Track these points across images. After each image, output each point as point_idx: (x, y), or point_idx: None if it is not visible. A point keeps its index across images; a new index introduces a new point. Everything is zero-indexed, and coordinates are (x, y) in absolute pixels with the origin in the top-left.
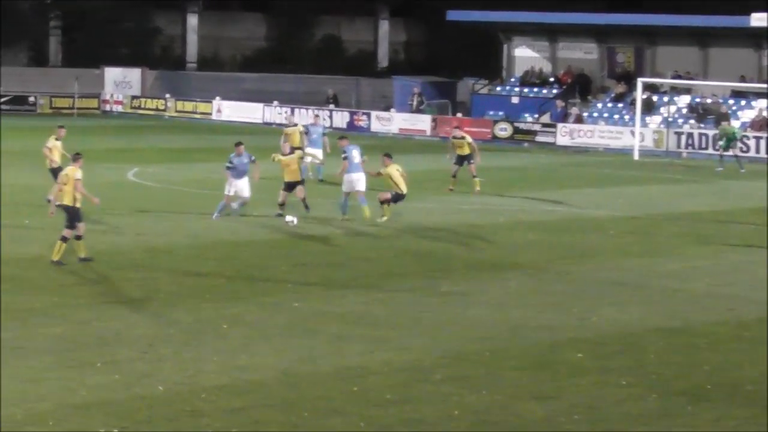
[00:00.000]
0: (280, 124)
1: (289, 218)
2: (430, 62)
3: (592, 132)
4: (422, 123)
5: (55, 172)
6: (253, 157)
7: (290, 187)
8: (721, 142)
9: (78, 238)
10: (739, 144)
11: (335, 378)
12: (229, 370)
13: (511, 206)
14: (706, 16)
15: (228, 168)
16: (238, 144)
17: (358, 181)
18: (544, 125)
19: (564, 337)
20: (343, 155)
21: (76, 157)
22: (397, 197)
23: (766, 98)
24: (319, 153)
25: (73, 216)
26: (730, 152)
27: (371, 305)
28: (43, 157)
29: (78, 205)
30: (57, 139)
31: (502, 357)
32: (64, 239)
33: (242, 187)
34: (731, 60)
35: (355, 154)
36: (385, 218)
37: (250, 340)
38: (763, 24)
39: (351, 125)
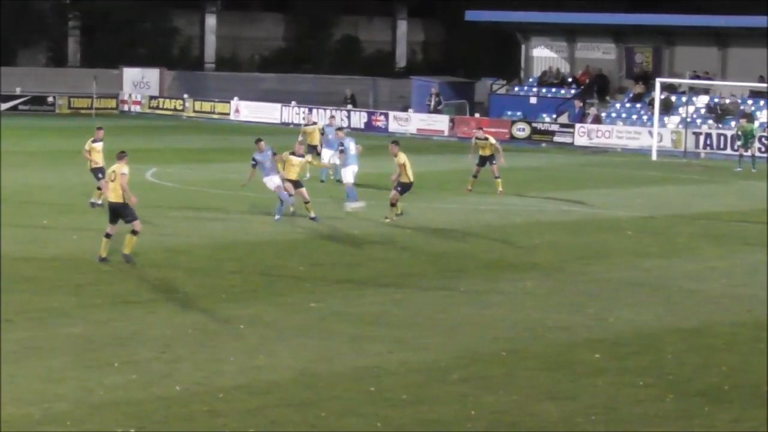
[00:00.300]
0: (298, 125)
1: (277, 217)
2: (447, 62)
3: (610, 132)
4: (440, 123)
5: (96, 172)
6: (273, 150)
7: (294, 184)
8: (739, 142)
9: (108, 236)
10: (756, 144)
11: (352, 378)
12: (247, 371)
13: (528, 206)
14: (724, 16)
15: (253, 165)
16: (258, 140)
17: (353, 172)
18: (562, 125)
19: (581, 338)
20: (339, 147)
21: (121, 155)
22: (405, 187)
23: None
24: (333, 153)
25: (123, 212)
26: (749, 152)
27: (388, 305)
28: (83, 158)
29: (126, 201)
30: (95, 141)
31: (519, 357)
32: (135, 233)
33: (277, 182)
34: (750, 60)
35: (352, 146)
36: (387, 220)
37: (267, 341)
38: None
39: (369, 125)
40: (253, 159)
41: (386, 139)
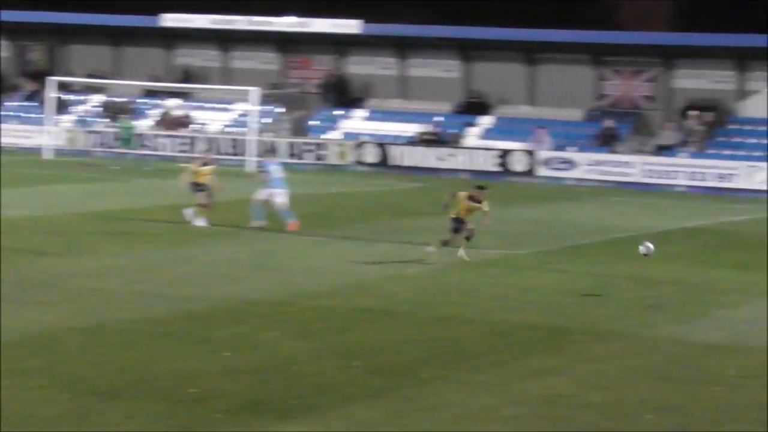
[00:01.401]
0: None
1: None
2: None
3: (5, 131)
4: None
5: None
6: None
7: None
8: (118, 142)
9: None
10: (138, 141)
11: None
12: None
13: None
14: (118, 15)
15: None
16: None
17: None
18: None
19: None
20: None
21: None
22: None
23: (176, 97)
24: None
25: None
26: (136, 151)
27: None
28: None
29: None
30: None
31: None
32: None
33: None
34: (144, 59)
35: None
36: None
37: None
38: (174, 24)
39: None
40: None
41: None
